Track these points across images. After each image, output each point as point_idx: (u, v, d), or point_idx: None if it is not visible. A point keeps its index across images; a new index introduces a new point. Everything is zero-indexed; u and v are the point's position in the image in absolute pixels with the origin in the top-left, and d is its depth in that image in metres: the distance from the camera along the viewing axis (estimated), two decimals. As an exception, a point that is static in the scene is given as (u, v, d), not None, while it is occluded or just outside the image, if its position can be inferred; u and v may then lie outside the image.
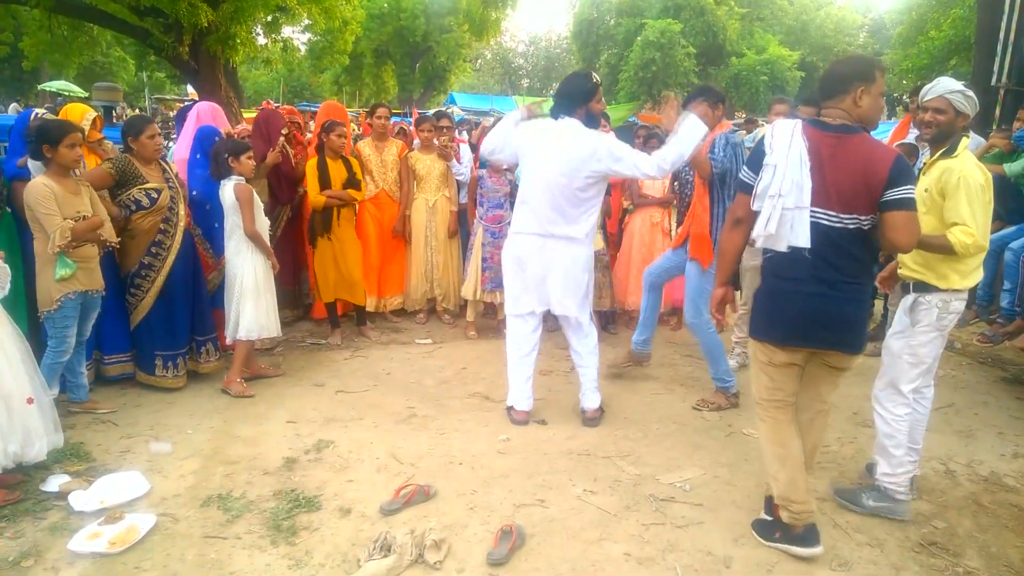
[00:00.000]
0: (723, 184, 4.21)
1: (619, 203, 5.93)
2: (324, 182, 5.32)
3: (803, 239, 2.62)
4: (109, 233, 3.91)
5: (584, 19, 34.37)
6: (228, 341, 4.57)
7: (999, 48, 5.76)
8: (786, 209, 2.64)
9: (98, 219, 3.79)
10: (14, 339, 3.28)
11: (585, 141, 3.83)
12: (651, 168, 3.80)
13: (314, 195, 5.31)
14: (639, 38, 29.29)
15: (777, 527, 2.95)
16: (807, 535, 2.87)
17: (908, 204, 2.58)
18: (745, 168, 2.84)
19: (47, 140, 3.64)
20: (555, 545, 2.93)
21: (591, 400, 4.21)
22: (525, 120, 4.10)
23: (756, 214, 2.75)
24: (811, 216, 2.63)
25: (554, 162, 3.83)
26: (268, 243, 4.57)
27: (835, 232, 2.64)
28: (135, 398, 4.36)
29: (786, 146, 2.66)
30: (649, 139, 6.16)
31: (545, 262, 3.97)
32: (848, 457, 3.79)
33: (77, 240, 3.67)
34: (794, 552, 2.87)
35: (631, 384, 4.84)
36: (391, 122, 6.34)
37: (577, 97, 3.96)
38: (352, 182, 5.45)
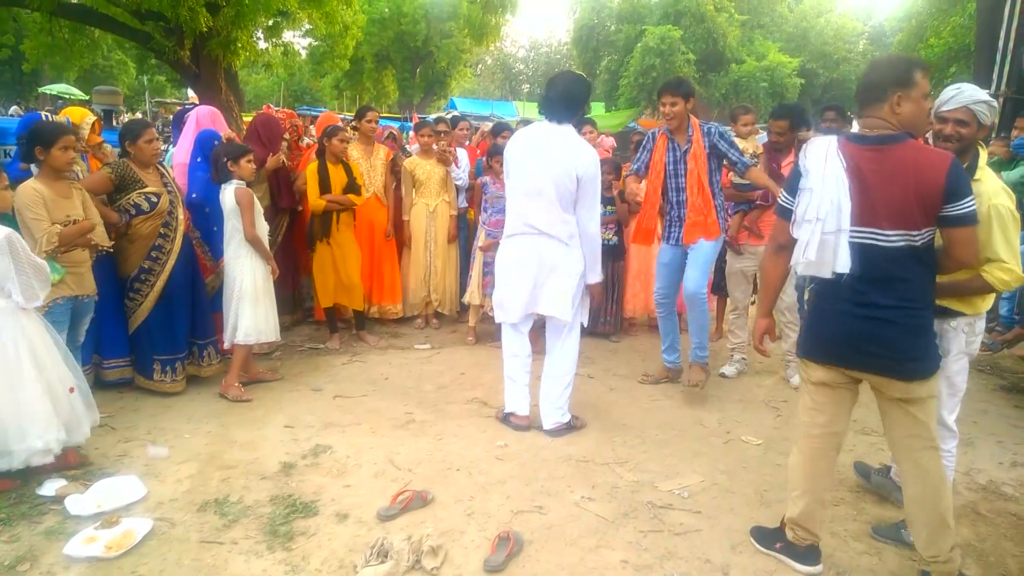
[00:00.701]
0: (714, 176, 4.58)
1: (627, 213, 5.92)
2: (324, 186, 5.32)
3: (842, 264, 2.47)
4: (101, 237, 3.87)
5: (585, 25, 34.40)
6: (226, 345, 4.56)
7: (998, 57, 5.77)
8: (826, 233, 2.48)
9: (89, 223, 3.75)
10: (46, 330, 3.39)
11: (572, 145, 3.89)
12: (595, 225, 4.04)
13: (314, 199, 5.31)
14: (639, 44, 29.32)
15: (779, 538, 2.93)
16: (809, 553, 2.86)
17: (972, 219, 2.43)
18: (783, 193, 2.72)
19: (40, 142, 3.62)
20: (552, 552, 2.93)
21: (553, 415, 4.08)
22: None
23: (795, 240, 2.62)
24: (854, 237, 2.47)
25: (549, 166, 3.83)
26: (268, 247, 4.57)
27: (881, 252, 2.46)
28: (132, 402, 4.35)
29: (821, 166, 2.51)
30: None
31: (539, 263, 3.95)
32: (847, 465, 3.78)
33: (65, 245, 3.60)
34: (794, 567, 2.85)
35: (629, 390, 4.84)
36: (379, 126, 6.34)
37: (579, 101, 4.01)
38: (352, 187, 5.45)
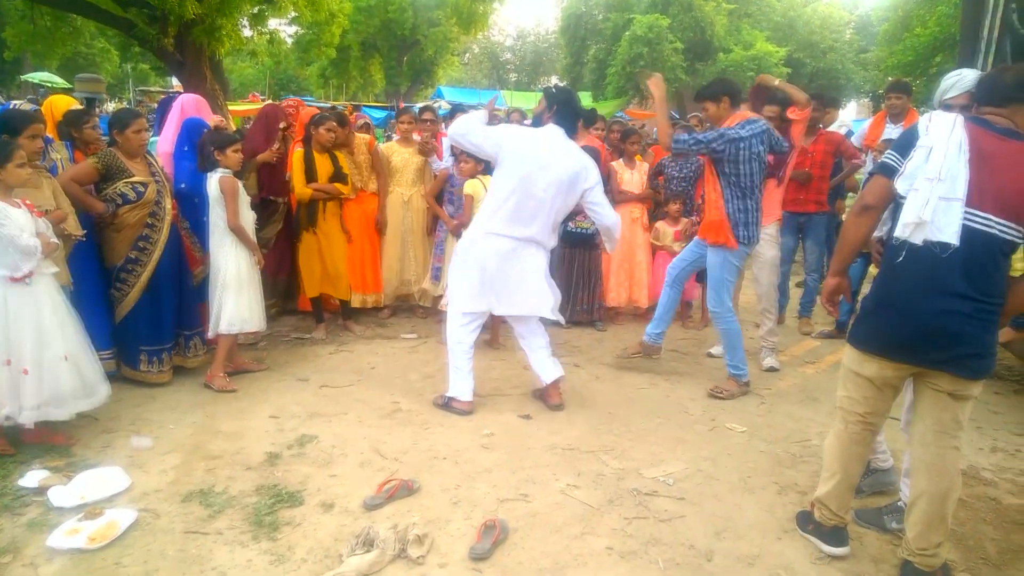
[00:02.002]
0: (723, 171, 4.35)
1: None
2: (310, 175, 5.28)
3: (950, 234, 2.38)
4: (73, 227, 3.82)
5: (572, 13, 34.30)
6: (210, 335, 4.54)
7: (982, 46, 5.80)
8: (941, 198, 2.40)
9: (61, 213, 3.70)
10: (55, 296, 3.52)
11: (578, 158, 4.09)
12: (609, 213, 4.27)
13: (300, 188, 5.27)
14: (627, 33, 29.25)
15: (811, 520, 2.97)
16: (835, 534, 2.88)
17: None
18: (892, 151, 2.59)
19: (7, 130, 3.57)
20: (538, 539, 2.94)
21: (553, 370, 4.29)
22: (489, 119, 4.24)
23: (891, 200, 2.56)
24: (968, 217, 2.39)
25: (552, 172, 3.98)
26: (252, 237, 4.54)
27: (983, 238, 2.39)
28: (116, 392, 4.28)
29: (947, 132, 2.44)
30: (627, 135, 6.17)
31: (515, 265, 4.07)
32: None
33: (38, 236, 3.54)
34: (821, 548, 2.89)
35: (615, 379, 4.86)
36: (354, 115, 6.30)
37: (580, 118, 4.29)
38: (338, 176, 5.43)
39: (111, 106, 22.80)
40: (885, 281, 2.62)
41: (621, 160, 6.11)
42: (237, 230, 4.39)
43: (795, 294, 6.54)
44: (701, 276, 5.77)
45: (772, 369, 5.07)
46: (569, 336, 5.77)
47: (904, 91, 5.92)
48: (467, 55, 47.74)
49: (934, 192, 2.40)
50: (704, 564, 2.83)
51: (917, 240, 2.44)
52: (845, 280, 2.88)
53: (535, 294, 4.17)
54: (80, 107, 4.97)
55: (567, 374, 4.83)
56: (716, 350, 5.35)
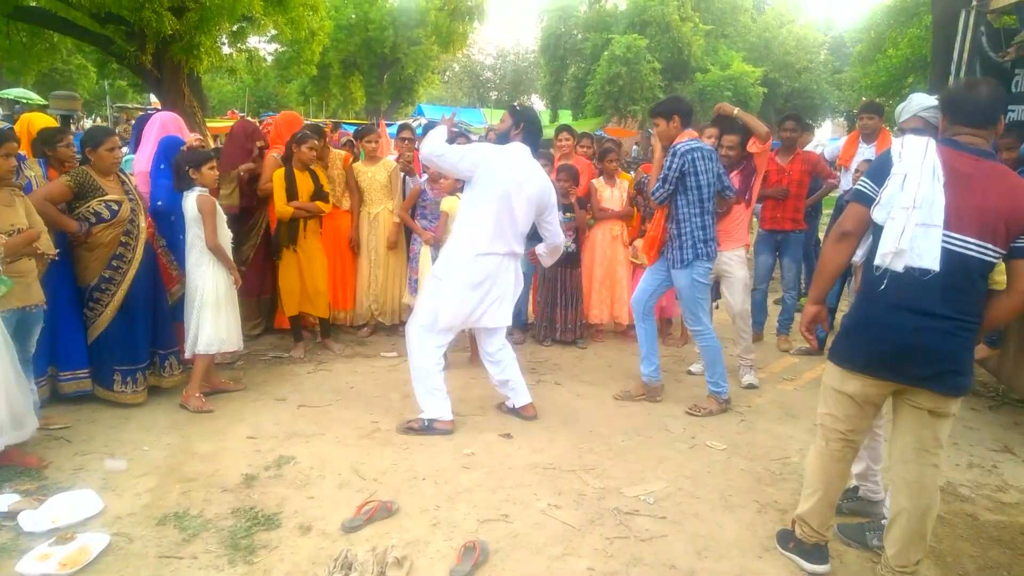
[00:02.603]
0: (687, 186, 4.35)
1: (585, 220, 5.97)
2: (291, 193, 5.26)
3: (930, 261, 2.41)
4: (47, 245, 3.73)
5: (552, 33, 34.68)
6: (187, 355, 4.48)
7: (952, 67, 5.93)
8: (918, 224, 2.43)
9: (34, 232, 3.60)
10: None
11: (544, 176, 4.29)
12: (559, 232, 4.52)
13: (281, 206, 5.24)
14: (606, 53, 29.64)
15: (792, 538, 2.97)
16: (816, 552, 2.88)
17: None
18: (865, 179, 2.63)
19: None
20: (518, 561, 2.91)
21: (524, 396, 4.38)
22: (450, 136, 4.30)
23: (868, 228, 2.60)
24: (943, 240, 2.42)
25: (526, 189, 4.10)
26: (230, 256, 4.51)
27: (961, 260, 2.42)
28: (90, 413, 4.25)
29: (920, 158, 2.47)
30: (605, 153, 6.21)
31: (502, 279, 4.19)
32: (809, 469, 3.83)
33: (12, 256, 3.45)
34: (802, 566, 2.88)
35: (596, 397, 4.85)
36: (337, 133, 6.30)
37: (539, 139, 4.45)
38: (319, 194, 5.41)
39: (88, 123, 22.59)
40: (866, 302, 2.64)
41: (601, 178, 6.14)
42: (216, 249, 4.35)
43: (773, 311, 6.59)
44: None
45: (751, 386, 5.09)
46: (550, 354, 5.77)
47: (876, 112, 6.03)
48: (447, 73, 47.99)
49: (910, 220, 2.43)
50: (685, 584, 2.82)
51: (898, 267, 2.47)
52: (824, 309, 2.92)
53: (511, 304, 4.30)
54: (57, 125, 4.91)
55: (548, 392, 4.85)
56: (696, 368, 5.37)
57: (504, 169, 4.05)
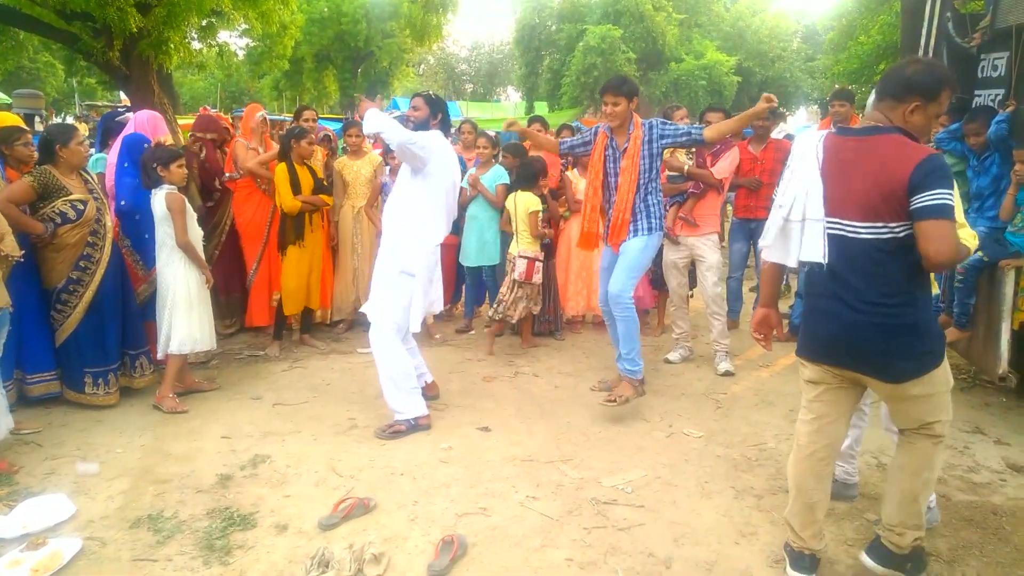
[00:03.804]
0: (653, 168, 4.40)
1: (558, 212, 5.96)
2: (295, 188, 5.23)
3: (816, 253, 2.43)
4: (11, 247, 3.65)
5: (526, 24, 34.59)
6: (160, 355, 4.42)
7: (920, 54, 5.98)
8: (790, 221, 2.47)
9: None
10: None
11: None
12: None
13: (289, 200, 5.18)
14: (580, 44, 29.63)
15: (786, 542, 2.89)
16: (801, 560, 2.74)
17: (937, 211, 2.24)
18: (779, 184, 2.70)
19: None
20: (497, 553, 2.91)
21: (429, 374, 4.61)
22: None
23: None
24: (829, 227, 2.43)
25: (457, 179, 4.35)
26: (201, 254, 4.45)
27: (855, 244, 2.40)
28: (61, 417, 4.19)
29: (800, 156, 2.51)
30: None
31: (438, 265, 4.38)
32: (785, 454, 3.85)
33: None
34: (787, 570, 2.79)
35: (573, 388, 4.86)
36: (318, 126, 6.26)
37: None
38: (321, 188, 5.42)
39: (56, 121, 22.21)
40: (805, 295, 2.73)
41: (575, 170, 6.14)
42: (186, 247, 4.29)
43: (748, 299, 6.64)
44: (657, 283, 5.85)
45: (728, 373, 5.13)
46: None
47: (847, 99, 6.08)
48: (422, 66, 47.75)
49: (775, 218, 2.54)
50: (664, 572, 2.83)
51: (792, 263, 2.55)
52: (774, 313, 2.90)
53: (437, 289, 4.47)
54: (22, 124, 4.79)
55: (526, 384, 4.86)
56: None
57: (449, 159, 4.19)
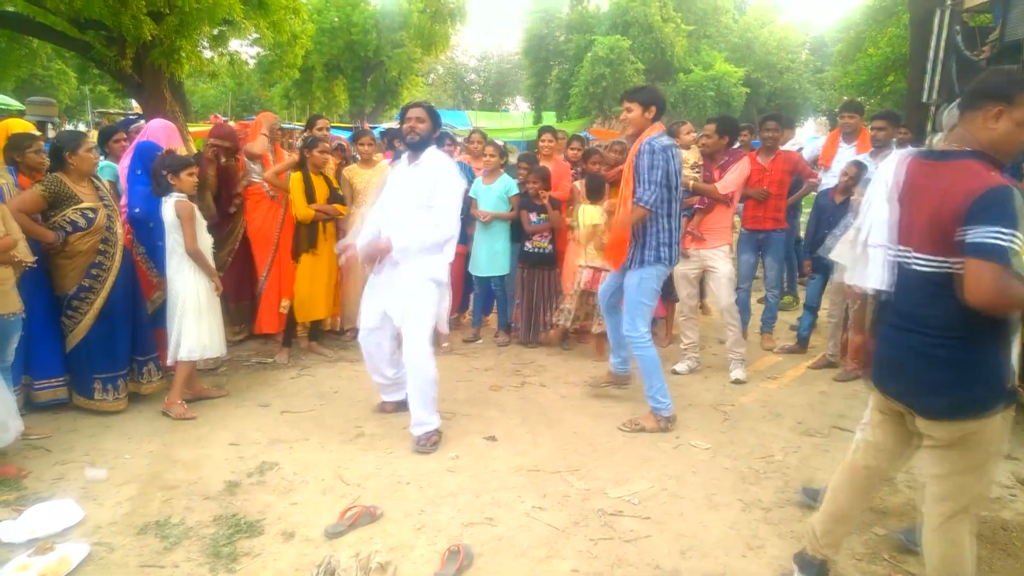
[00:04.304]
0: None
1: (564, 221, 5.97)
2: (309, 197, 5.27)
3: (875, 280, 2.39)
4: (24, 253, 3.68)
5: (535, 35, 34.64)
6: (169, 362, 4.44)
7: (929, 67, 5.99)
8: (870, 246, 2.43)
9: (10, 239, 3.56)
10: None
11: None
12: None
13: (303, 209, 5.23)
14: (589, 54, 29.65)
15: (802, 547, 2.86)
16: (811, 564, 2.74)
17: (981, 250, 2.02)
18: None
19: None
20: (503, 564, 2.91)
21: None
22: None
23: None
24: (898, 256, 2.35)
25: (462, 188, 4.37)
26: (210, 262, 4.47)
27: (919, 276, 2.27)
28: (70, 422, 4.21)
29: (881, 180, 2.46)
30: (589, 155, 6.23)
31: None
32: (792, 467, 3.85)
33: None
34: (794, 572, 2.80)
35: (580, 398, 4.86)
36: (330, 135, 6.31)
37: None
38: (335, 197, 5.46)
39: (68, 128, 22.38)
40: (875, 318, 2.58)
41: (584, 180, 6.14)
42: (195, 255, 4.32)
43: (756, 310, 6.61)
44: (667, 294, 5.84)
45: (739, 381, 5.13)
46: (535, 356, 5.77)
47: (856, 111, 6.09)
48: (431, 76, 47.89)
49: (858, 243, 2.55)
50: (670, 584, 2.82)
51: (860, 284, 2.57)
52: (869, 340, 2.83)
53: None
54: (36, 131, 4.83)
55: (532, 394, 4.86)
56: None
57: (458, 184, 4.22)
